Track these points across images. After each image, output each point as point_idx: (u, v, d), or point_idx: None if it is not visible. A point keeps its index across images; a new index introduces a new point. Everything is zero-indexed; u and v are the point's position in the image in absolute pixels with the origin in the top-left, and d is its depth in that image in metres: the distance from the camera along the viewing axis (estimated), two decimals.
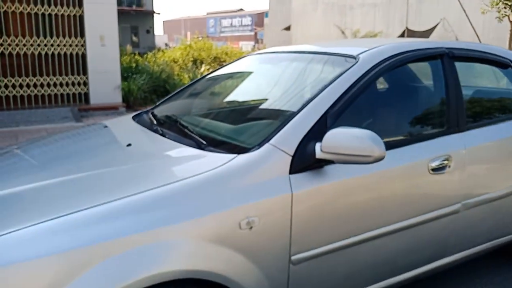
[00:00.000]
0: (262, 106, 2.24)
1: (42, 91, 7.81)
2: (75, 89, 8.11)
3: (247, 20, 52.57)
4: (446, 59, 2.23)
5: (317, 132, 1.69)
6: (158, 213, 1.42)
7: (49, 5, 7.61)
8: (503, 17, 12.30)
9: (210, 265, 1.47)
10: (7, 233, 1.30)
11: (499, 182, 2.34)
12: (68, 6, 7.74)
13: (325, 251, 1.74)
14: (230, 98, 2.62)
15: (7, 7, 7.28)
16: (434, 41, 2.50)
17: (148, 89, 9.02)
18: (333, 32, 22.33)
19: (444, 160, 2.04)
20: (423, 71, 2.45)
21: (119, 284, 1.30)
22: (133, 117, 2.56)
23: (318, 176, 1.69)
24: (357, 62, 1.95)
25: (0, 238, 1.29)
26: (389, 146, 1.87)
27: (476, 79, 2.90)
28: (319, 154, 1.65)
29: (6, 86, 7.50)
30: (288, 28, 27.62)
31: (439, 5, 19.58)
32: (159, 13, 30.43)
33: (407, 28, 19.77)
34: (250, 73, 2.77)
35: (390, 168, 1.87)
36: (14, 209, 1.49)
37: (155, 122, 2.27)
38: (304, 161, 1.66)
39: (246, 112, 2.29)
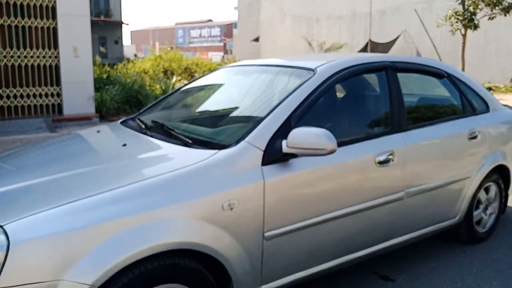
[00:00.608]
0: (237, 111, 2.60)
1: (16, 102, 7.89)
2: (49, 100, 8.21)
3: (216, 31, 52.98)
4: (390, 71, 2.67)
5: (283, 131, 2.07)
6: (156, 197, 1.76)
7: (23, 17, 7.74)
8: (456, 30, 13.22)
9: (201, 238, 1.82)
10: (29, 215, 1.58)
11: (436, 174, 2.78)
12: (42, 19, 7.89)
13: (291, 229, 2.11)
14: (210, 105, 2.96)
15: None
16: (380, 56, 2.95)
17: (121, 99, 9.17)
18: (301, 43, 22.99)
19: (388, 155, 2.45)
20: (372, 81, 2.88)
21: (128, 253, 1.62)
22: (121, 122, 2.87)
23: (285, 167, 2.07)
24: (314, 74, 2.36)
25: (25, 218, 1.57)
26: (343, 143, 2.28)
27: (437, 89, 3.33)
28: (285, 149, 2.03)
29: None
30: (257, 39, 28.15)
31: (400, 18, 20.54)
32: (127, 24, 30.37)
33: (370, 40, 20.68)
34: (225, 83, 3.14)
35: (343, 161, 2.28)
36: (32, 196, 1.77)
37: (143, 126, 2.59)
38: (273, 155, 2.04)
39: (224, 117, 2.64)
